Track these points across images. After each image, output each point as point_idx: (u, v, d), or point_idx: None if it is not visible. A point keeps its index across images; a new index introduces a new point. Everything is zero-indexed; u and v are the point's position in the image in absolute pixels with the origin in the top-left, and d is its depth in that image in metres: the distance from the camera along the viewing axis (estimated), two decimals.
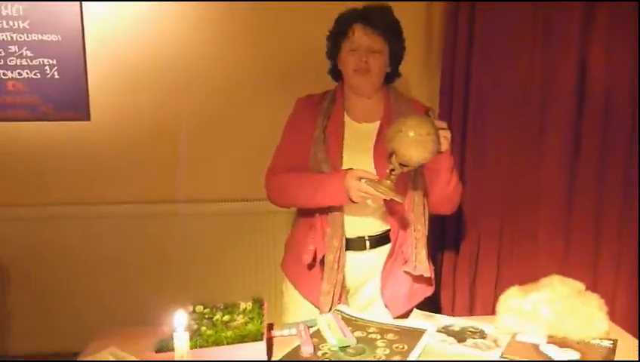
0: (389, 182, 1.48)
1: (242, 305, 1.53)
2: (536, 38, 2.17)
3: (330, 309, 1.66)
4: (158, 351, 1.31)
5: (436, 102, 2.31)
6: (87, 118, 2.45)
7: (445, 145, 1.52)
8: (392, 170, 1.47)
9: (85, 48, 2.42)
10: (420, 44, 2.42)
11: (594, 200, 2.22)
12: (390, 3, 1.70)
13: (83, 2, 2.39)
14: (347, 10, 1.70)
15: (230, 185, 2.51)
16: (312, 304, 1.73)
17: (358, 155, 1.66)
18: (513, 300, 1.52)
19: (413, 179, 1.66)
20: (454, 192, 1.67)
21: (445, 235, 2.33)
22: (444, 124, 1.52)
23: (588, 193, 2.22)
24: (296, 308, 1.79)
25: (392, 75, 1.77)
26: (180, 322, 1.14)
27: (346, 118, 1.74)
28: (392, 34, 1.68)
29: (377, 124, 1.73)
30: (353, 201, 1.57)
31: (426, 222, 1.70)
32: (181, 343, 1.13)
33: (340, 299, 1.68)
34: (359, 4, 1.69)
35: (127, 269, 2.49)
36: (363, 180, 1.52)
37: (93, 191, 2.52)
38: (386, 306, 1.71)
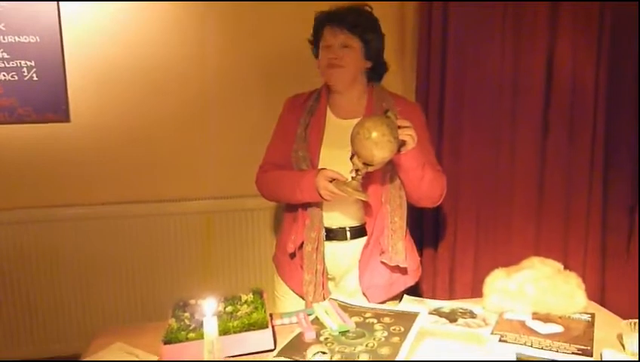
0: (354, 182, 1.49)
1: (243, 297, 1.54)
2: (506, 32, 2.22)
3: (315, 299, 1.67)
4: (167, 342, 1.31)
5: (411, 94, 2.34)
6: (67, 119, 2.42)
7: (411, 144, 1.52)
8: (357, 170, 1.48)
9: (63, 49, 2.39)
10: (393, 42, 2.42)
11: (562, 186, 2.29)
12: (363, 3, 1.72)
13: (60, 2, 2.36)
14: (318, 14, 1.72)
15: (215, 182, 2.49)
16: (298, 295, 1.74)
17: (337, 151, 1.65)
18: (499, 281, 1.57)
19: (389, 171, 1.66)
20: (431, 187, 1.65)
21: (424, 224, 2.35)
22: (406, 123, 1.51)
23: (556, 179, 2.29)
24: (285, 299, 1.79)
25: (376, 70, 1.76)
26: (210, 308, 1.14)
27: (330, 115, 1.74)
28: (363, 29, 1.67)
29: (359, 120, 1.65)
30: (325, 199, 1.58)
31: (404, 214, 1.70)
32: (211, 329, 1.13)
33: (323, 288, 1.69)
34: (336, 4, 1.70)
35: (112, 270, 2.45)
36: (333, 180, 1.54)
37: (75, 193, 2.48)
38: (364, 294, 1.71)
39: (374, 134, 1.40)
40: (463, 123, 2.30)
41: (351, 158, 1.47)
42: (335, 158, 1.63)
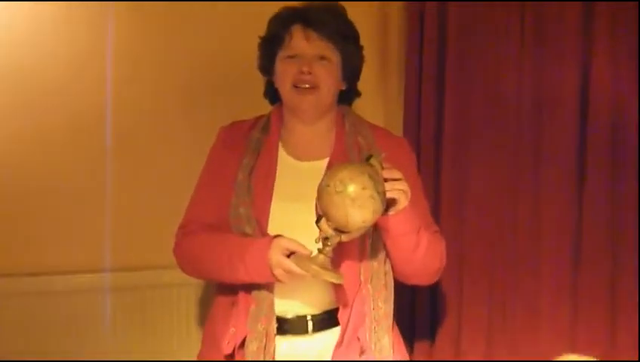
0: (322, 257, 1.47)
1: None
2: (526, 40, 2.16)
3: None
4: None
5: (397, 125, 2.28)
6: None
7: (403, 202, 1.50)
8: (326, 238, 1.46)
9: None
10: (372, 54, 2.29)
11: (605, 251, 2.19)
12: (334, 2, 1.72)
13: None
14: (282, 9, 1.70)
15: (117, 248, 2.31)
16: None
17: (295, 208, 1.62)
18: None
19: (369, 237, 1.62)
20: (427, 258, 1.62)
21: (416, 307, 2.28)
22: (396, 174, 1.48)
23: (597, 242, 2.19)
24: None
25: (347, 95, 1.76)
26: None
27: (283, 155, 1.70)
28: (344, 38, 1.67)
29: (325, 162, 1.67)
30: (279, 281, 1.55)
31: (391, 297, 1.67)
32: None
33: None
34: (298, 4, 1.69)
35: None
36: (292, 253, 1.52)
37: None
38: None
39: (351, 188, 1.38)
40: (468, 164, 2.23)
41: (317, 222, 1.45)
42: (292, 219, 1.61)
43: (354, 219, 1.42)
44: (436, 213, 2.16)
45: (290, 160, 1.71)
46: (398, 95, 2.38)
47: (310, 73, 1.63)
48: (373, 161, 1.47)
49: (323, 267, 1.47)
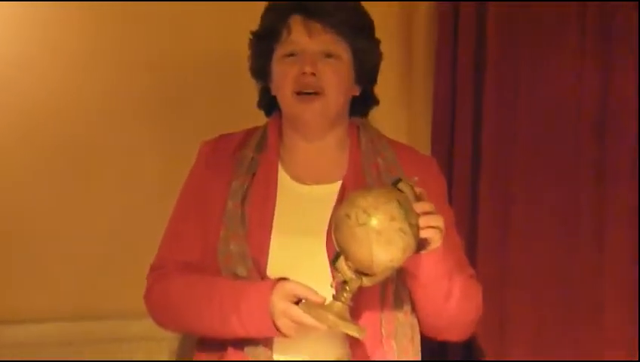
0: (339, 305, 1.41)
1: None
2: (586, 43, 2.08)
3: None
4: None
5: (423, 142, 2.23)
6: None
7: (437, 241, 1.44)
8: (344, 282, 1.41)
9: None
10: (392, 57, 2.18)
11: None
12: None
13: None
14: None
15: (72, 294, 2.24)
16: None
17: (299, 244, 1.57)
18: None
19: (392, 282, 1.57)
20: (461, 308, 1.57)
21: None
22: (428, 206, 1.42)
23: None
24: None
25: (361, 102, 1.69)
26: None
27: (284, 178, 1.65)
28: (356, 30, 1.61)
29: (337, 186, 1.62)
30: (283, 334, 1.48)
31: (418, 355, 1.63)
32: None
33: None
34: None
35: None
36: (302, 300, 1.47)
37: None
38: None
39: (377, 219, 1.34)
40: (512, 190, 2.14)
41: (333, 262, 1.41)
42: (296, 257, 1.57)
43: (379, 258, 1.35)
44: (471, 253, 2.07)
45: (293, 184, 1.63)
46: (424, 104, 2.33)
47: (314, 74, 1.56)
48: (402, 186, 1.41)
49: (341, 316, 1.40)
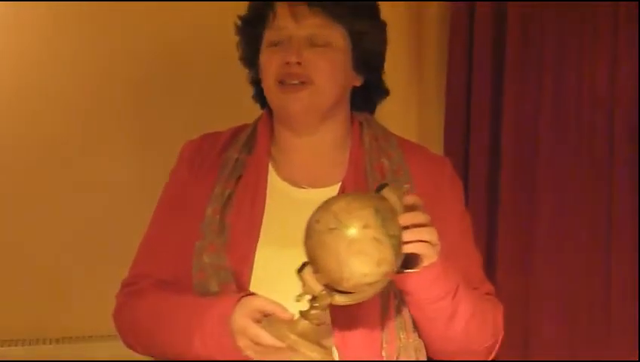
0: (305, 322, 1.33)
1: None
2: (619, 40, 2.05)
3: None
4: None
5: (436, 144, 2.21)
6: None
7: (429, 257, 1.36)
8: (314, 297, 1.34)
9: None
10: (400, 47, 2.27)
11: None
12: None
13: None
14: None
15: (31, 314, 2.21)
16: None
17: (290, 256, 1.41)
18: None
19: (397, 297, 1.49)
20: (473, 330, 1.49)
21: None
22: (420, 218, 1.33)
23: None
24: None
25: (368, 94, 1.61)
26: None
27: (275, 180, 1.57)
28: (352, 11, 1.54)
29: (336, 189, 1.53)
30: (247, 358, 1.41)
31: None
32: None
33: None
34: None
35: None
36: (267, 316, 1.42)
37: None
38: None
39: (353, 229, 1.27)
40: (536, 195, 2.11)
41: (299, 271, 1.34)
42: (285, 271, 1.42)
43: (350, 269, 1.26)
44: (490, 266, 2.05)
45: (286, 187, 1.55)
46: (436, 97, 2.31)
47: (300, 63, 1.47)
48: (387, 192, 1.32)
49: (305, 337, 1.30)
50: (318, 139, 1.57)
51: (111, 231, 2.04)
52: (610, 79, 2.10)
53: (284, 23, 1.52)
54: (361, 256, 1.27)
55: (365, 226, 1.26)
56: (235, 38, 1.66)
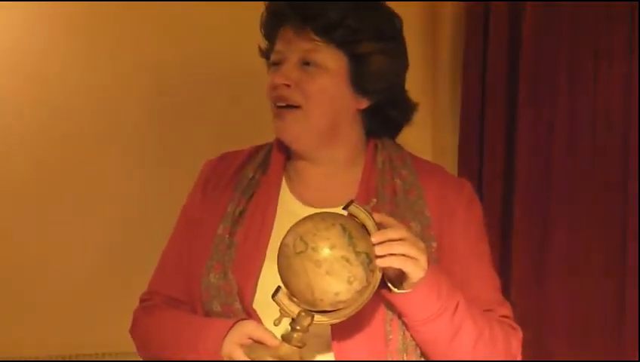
0: (286, 346, 1.36)
1: None
2: (635, 49, 2.02)
3: None
4: None
5: (449, 158, 2.23)
6: None
7: (414, 274, 1.36)
8: (293, 320, 1.37)
9: None
10: (415, 55, 2.05)
11: None
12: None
13: None
14: (270, 2, 1.61)
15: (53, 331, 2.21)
16: None
17: None
18: None
19: (399, 317, 1.49)
20: (483, 354, 1.47)
21: None
22: (395, 232, 1.35)
23: None
24: None
25: (381, 120, 1.60)
26: None
27: (287, 199, 1.59)
28: (352, 33, 1.52)
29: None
30: None
31: None
32: None
33: None
34: None
35: None
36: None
37: None
38: None
39: (319, 251, 1.30)
40: (551, 215, 2.09)
41: (273, 296, 1.37)
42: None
43: (322, 290, 1.29)
44: (504, 288, 1.85)
45: (297, 206, 1.55)
46: (450, 115, 2.32)
47: (289, 86, 1.48)
48: (354, 210, 1.34)
49: (288, 358, 1.35)
50: (327, 161, 1.58)
51: (130, 247, 2.03)
52: (625, 98, 2.08)
53: (281, 46, 1.54)
54: (330, 277, 1.29)
55: (332, 246, 1.28)
56: (254, 54, 1.67)
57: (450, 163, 2.20)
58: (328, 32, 1.50)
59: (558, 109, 2.09)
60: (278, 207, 1.57)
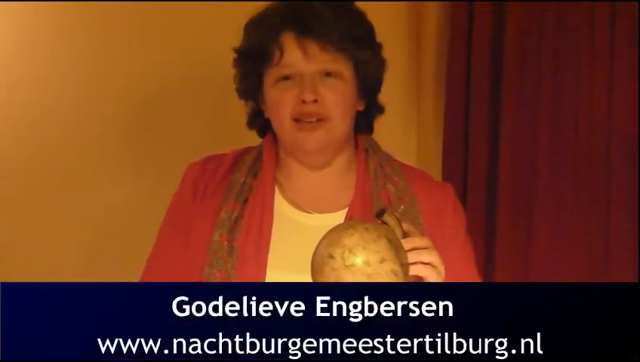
0: None
1: None
2: (616, 51, 2.04)
3: None
4: None
5: (432, 165, 2.23)
6: None
7: (432, 280, 1.38)
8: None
9: None
10: (397, 64, 2.20)
11: None
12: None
13: None
14: (265, 9, 1.58)
15: None
16: None
17: (297, 281, 1.46)
18: None
19: None
20: None
21: None
22: (420, 241, 1.36)
23: None
24: None
25: (365, 115, 1.62)
26: None
27: (282, 205, 1.59)
28: (356, 41, 1.55)
29: (342, 214, 1.56)
30: None
31: None
32: None
33: None
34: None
35: None
36: None
37: None
38: None
39: (360, 259, 1.30)
40: (534, 220, 2.09)
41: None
42: None
43: None
44: None
45: (293, 212, 1.57)
46: (434, 119, 2.32)
47: (316, 101, 1.49)
48: (387, 218, 1.34)
49: None
50: (324, 166, 1.59)
51: (112, 256, 2.05)
52: (607, 103, 2.09)
53: (293, 60, 1.52)
54: None
55: (382, 260, 1.28)
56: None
57: (434, 165, 2.22)
58: (341, 44, 1.51)
59: (542, 111, 2.11)
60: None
